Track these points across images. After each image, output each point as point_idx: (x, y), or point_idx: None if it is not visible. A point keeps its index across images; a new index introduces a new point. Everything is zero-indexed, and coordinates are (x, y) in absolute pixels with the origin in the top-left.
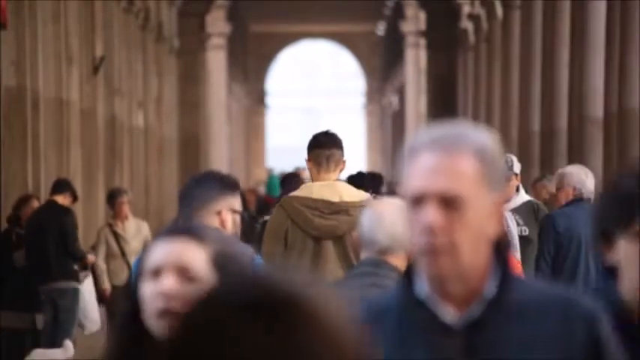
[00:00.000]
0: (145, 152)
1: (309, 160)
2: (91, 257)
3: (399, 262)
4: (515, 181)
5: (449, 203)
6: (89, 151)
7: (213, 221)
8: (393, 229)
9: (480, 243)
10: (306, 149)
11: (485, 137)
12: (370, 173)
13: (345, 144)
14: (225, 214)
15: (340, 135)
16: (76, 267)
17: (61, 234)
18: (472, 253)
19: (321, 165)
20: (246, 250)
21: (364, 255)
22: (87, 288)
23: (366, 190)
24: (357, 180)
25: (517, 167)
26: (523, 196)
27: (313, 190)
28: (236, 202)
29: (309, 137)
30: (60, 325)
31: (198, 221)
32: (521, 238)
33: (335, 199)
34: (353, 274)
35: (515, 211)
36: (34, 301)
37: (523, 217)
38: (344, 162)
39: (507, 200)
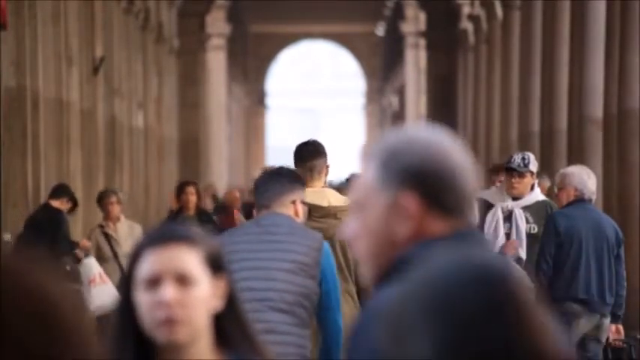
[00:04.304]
0: (145, 152)
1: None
2: (84, 242)
3: None
4: (531, 179)
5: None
6: (89, 152)
7: (289, 210)
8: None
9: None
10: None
11: None
12: None
13: (326, 149)
14: (298, 204)
15: (320, 142)
16: (69, 267)
17: (52, 237)
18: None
19: (306, 177)
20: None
21: None
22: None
23: None
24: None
25: (533, 165)
26: (537, 195)
27: (306, 195)
28: (304, 194)
29: (295, 147)
30: None
31: (272, 211)
32: (530, 235)
33: (324, 203)
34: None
35: (526, 208)
36: None
37: (534, 215)
38: (327, 167)
39: (521, 197)
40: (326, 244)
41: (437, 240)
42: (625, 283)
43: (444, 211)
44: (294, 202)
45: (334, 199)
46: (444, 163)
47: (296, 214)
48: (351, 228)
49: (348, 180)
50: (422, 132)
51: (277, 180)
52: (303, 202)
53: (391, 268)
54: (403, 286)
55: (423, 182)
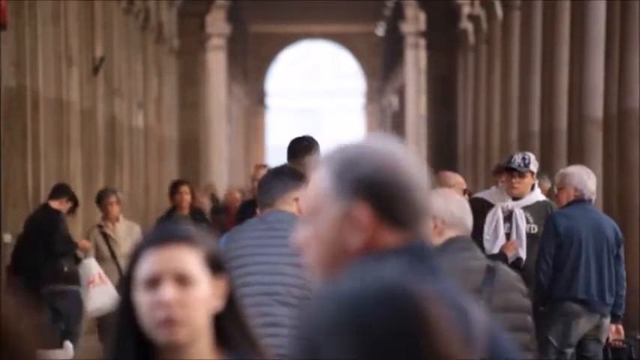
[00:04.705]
0: (145, 152)
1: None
2: (83, 242)
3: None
4: (531, 179)
5: None
6: (89, 152)
7: (292, 207)
8: (470, 214)
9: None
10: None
11: None
12: None
13: (319, 145)
14: (302, 201)
15: (313, 138)
16: (66, 269)
17: (50, 237)
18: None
19: None
20: None
21: (452, 233)
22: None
23: None
24: None
25: (534, 166)
26: (537, 195)
27: None
28: None
29: (288, 142)
30: (60, 326)
31: (277, 209)
32: (530, 235)
33: None
34: (456, 248)
35: (526, 208)
36: (38, 302)
37: (534, 215)
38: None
39: (521, 197)
40: None
41: (389, 252)
42: (625, 283)
43: (397, 223)
44: (296, 200)
45: None
46: (397, 175)
47: (299, 211)
48: (302, 235)
49: None
50: (377, 143)
51: (280, 178)
52: None
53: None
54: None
55: (376, 194)
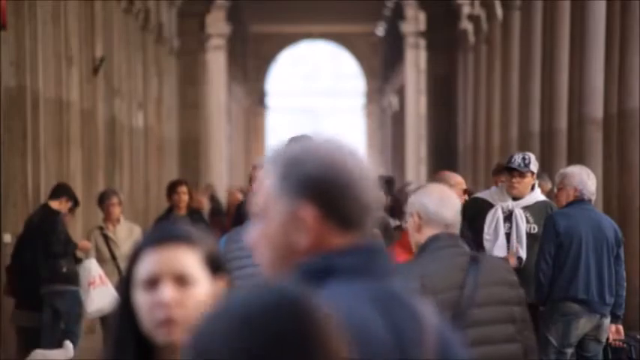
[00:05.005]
0: (145, 153)
1: None
2: (83, 243)
3: (457, 234)
4: (531, 179)
5: None
6: (89, 152)
7: None
8: (455, 207)
9: None
10: None
11: None
12: (381, 176)
13: None
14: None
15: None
16: (65, 269)
17: (49, 237)
18: None
19: None
20: None
21: (431, 231)
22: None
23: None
24: None
25: (534, 166)
26: (538, 196)
27: None
28: None
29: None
30: (59, 326)
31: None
32: (530, 235)
33: None
34: (436, 246)
35: (527, 208)
36: (38, 301)
37: (534, 215)
38: None
39: (521, 197)
40: None
41: (335, 252)
42: (625, 283)
43: (343, 223)
44: None
45: None
46: (342, 175)
47: None
48: (253, 235)
49: None
50: (322, 143)
51: None
52: None
53: (292, 278)
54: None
55: (321, 194)
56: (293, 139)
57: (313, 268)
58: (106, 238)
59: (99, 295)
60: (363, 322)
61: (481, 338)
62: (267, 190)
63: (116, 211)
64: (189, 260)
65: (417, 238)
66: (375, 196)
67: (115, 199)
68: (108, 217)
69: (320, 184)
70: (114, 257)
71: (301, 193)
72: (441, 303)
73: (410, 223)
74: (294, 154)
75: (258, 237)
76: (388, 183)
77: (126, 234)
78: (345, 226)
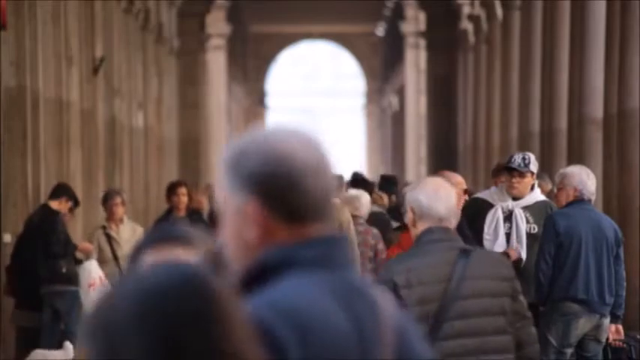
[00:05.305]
0: (145, 153)
1: None
2: (84, 245)
3: (452, 227)
4: (531, 179)
5: None
6: (89, 152)
7: None
8: (449, 200)
9: None
10: None
11: None
12: (384, 176)
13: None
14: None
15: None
16: (64, 270)
17: (48, 237)
18: None
19: None
20: None
21: (424, 225)
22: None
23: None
24: (357, 182)
25: (534, 166)
26: (537, 196)
27: None
28: None
29: None
30: (59, 326)
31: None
32: (530, 235)
33: None
34: (427, 240)
35: (527, 208)
36: (38, 301)
37: (534, 215)
38: None
39: (521, 197)
40: None
41: (295, 244)
42: (624, 283)
43: (291, 216)
44: None
45: None
46: (289, 168)
47: None
48: (220, 233)
49: (353, 178)
50: (271, 135)
51: None
52: None
53: (247, 275)
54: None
55: (266, 188)
56: (243, 135)
57: (269, 261)
58: (109, 238)
59: None
60: (323, 314)
61: (469, 330)
62: (220, 187)
63: (119, 211)
64: (188, 261)
65: (414, 232)
66: (331, 188)
67: (118, 199)
68: (111, 217)
69: (263, 179)
70: (116, 257)
71: (247, 187)
72: (426, 295)
73: (407, 218)
74: (241, 148)
75: (223, 234)
76: (390, 182)
77: (129, 234)
78: (295, 219)
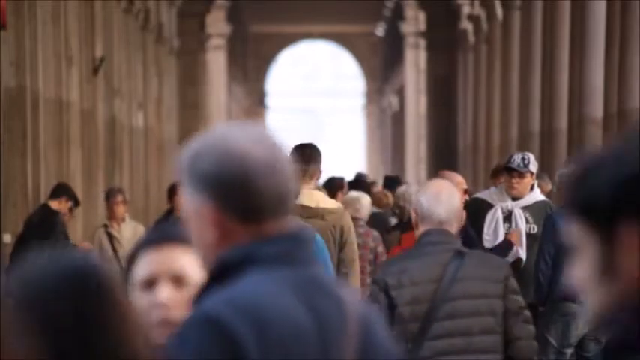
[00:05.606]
0: (145, 152)
1: None
2: (85, 245)
3: (453, 230)
4: (531, 180)
5: None
6: (89, 152)
7: None
8: (450, 204)
9: None
10: None
11: None
12: (388, 176)
13: (322, 155)
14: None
15: (317, 147)
16: None
17: (47, 238)
18: None
19: (298, 177)
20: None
21: (425, 227)
22: None
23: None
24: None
25: (533, 166)
26: (537, 196)
27: None
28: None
29: (292, 146)
30: None
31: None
32: (530, 235)
33: (312, 204)
34: (424, 242)
35: (526, 209)
36: None
37: (534, 215)
38: (320, 172)
39: (520, 197)
40: (318, 237)
41: (257, 241)
42: None
43: (248, 216)
44: None
45: (323, 202)
46: (242, 169)
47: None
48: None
49: (356, 178)
50: (225, 136)
51: None
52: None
53: (210, 275)
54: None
55: (221, 190)
56: (197, 137)
57: (228, 261)
58: (110, 237)
59: None
60: (281, 309)
61: (458, 330)
62: (182, 190)
63: (120, 209)
64: (187, 261)
65: (416, 233)
66: (289, 185)
67: (119, 198)
68: (112, 216)
69: (217, 180)
70: (117, 256)
71: (202, 189)
72: (417, 296)
73: (412, 219)
74: (196, 150)
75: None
76: (394, 182)
77: (130, 233)
78: (252, 218)
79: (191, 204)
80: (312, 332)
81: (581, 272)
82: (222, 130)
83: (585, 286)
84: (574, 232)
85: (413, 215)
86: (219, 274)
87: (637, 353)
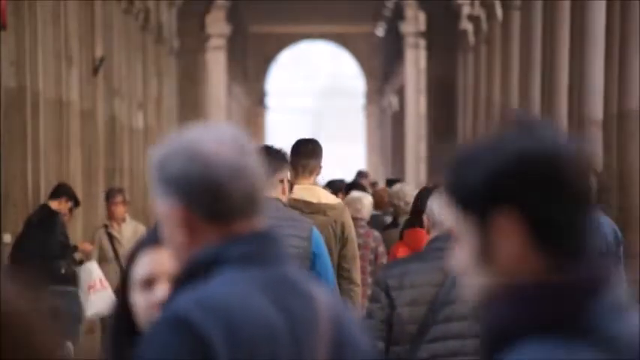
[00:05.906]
0: (145, 153)
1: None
2: (84, 245)
3: None
4: None
5: None
6: (89, 152)
7: (277, 189)
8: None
9: None
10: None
11: None
12: (390, 179)
13: (322, 151)
14: (285, 182)
15: (319, 143)
16: (63, 270)
17: (47, 238)
18: None
19: (298, 172)
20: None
21: (434, 233)
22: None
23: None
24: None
25: None
26: None
27: (295, 191)
28: (288, 173)
29: (294, 141)
30: (58, 327)
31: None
32: None
33: (314, 200)
34: (431, 247)
35: None
36: None
37: None
38: (320, 168)
39: None
40: (315, 230)
41: (226, 241)
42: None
43: (216, 217)
44: (281, 181)
45: (324, 197)
46: (210, 170)
47: (283, 191)
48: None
49: (357, 176)
50: (193, 138)
51: (266, 160)
52: (288, 180)
53: (182, 276)
54: None
55: (189, 191)
56: (167, 139)
57: (198, 261)
58: (111, 237)
59: (98, 299)
60: (250, 309)
61: (452, 333)
62: (154, 192)
63: (120, 210)
64: None
65: (428, 239)
66: (259, 185)
67: (119, 198)
68: (112, 216)
69: (185, 182)
70: (117, 256)
71: (170, 191)
72: (417, 298)
73: (425, 224)
74: (165, 153)
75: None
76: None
77: (131, 233)
78: (221, 219)
79: (162, 206)
80: (283, 332)
81: (461, 258)
82: (190, 132)
83: (466, 272)
84: (455, 219)
85: (425, 221)
86: (190, 274)
87: (511, 339)
